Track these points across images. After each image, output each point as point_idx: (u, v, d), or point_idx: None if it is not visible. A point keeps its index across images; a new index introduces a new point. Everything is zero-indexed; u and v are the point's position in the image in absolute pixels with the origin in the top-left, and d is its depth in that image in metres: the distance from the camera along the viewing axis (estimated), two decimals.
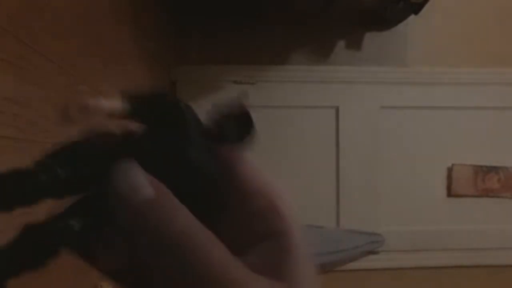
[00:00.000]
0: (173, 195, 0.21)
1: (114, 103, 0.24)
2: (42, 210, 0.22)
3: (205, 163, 0.23)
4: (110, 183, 0.21)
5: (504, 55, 2.25)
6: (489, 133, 2.21)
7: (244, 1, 1.99)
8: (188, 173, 0.23)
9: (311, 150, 2.16)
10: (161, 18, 1.90)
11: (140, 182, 0.21)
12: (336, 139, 2.17)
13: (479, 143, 2.21)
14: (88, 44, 1.03)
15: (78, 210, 0.21)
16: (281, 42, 2.18)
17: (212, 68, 2.12)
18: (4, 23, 0.66)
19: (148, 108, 0.24)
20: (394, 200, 2.17)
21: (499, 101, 2.23)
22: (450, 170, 2.20)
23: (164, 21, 1.96)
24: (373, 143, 2.18)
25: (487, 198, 2.20)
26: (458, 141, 2.21)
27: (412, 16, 2.06)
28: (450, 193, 2.19)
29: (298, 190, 2.13)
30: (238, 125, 0.24)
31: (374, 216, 2.15)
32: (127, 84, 1.29)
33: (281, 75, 2.16)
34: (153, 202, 0.20)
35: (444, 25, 2.24)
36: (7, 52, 0.67)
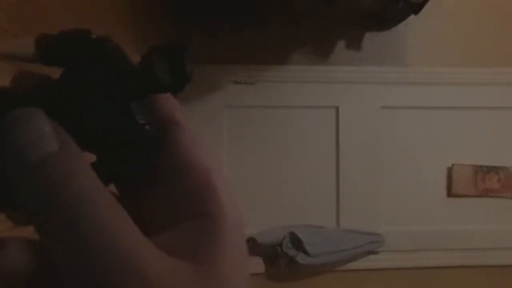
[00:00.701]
0: (81, 151, 0.18)
1: (24, 44, 0.20)
2: None
3: (133, 116, 0.20)
4: (6, 134, 0.17)
5: (504, 55, 2.25)
6: (489, 133, 2.21)
7: (244, 1, 2.00)
8: (108, 125, 0.19)
9: (311, 150, 2.16)
10: (161, 18, 1.90)
11: (41, 133, 0.18)
12: (336, 139, 2.17)
13: (479, 143, 2.21)
14: None
15: None
16: (281, 42, 2.18)
17: (212, 68, 2.12)
18: (4, 23, 0.65)
19: (66, 48, 0.20)
20: (394, 200, 2.17)
21: (499, 101, 2.23)
22: (450, 170, 2.20)
23: (164, 21, 1.96)
24: (373, 143, 2.18)
25: (487, 198, 2.20)
26: (458, 141, 2.21)
27: (412, 16, 2.06)
28: (450, 193, 2.19)
29: (298, 190, 2.13)
30: (173, 68, 0.21)
31: (374, 216, 2.15)
32: None
33: (281, 75, 2.16)
34: (54, 157, 0.17)
35: (444, 25, 2.24)
36: None
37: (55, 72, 0.21)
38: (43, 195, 0.17)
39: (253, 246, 2.01)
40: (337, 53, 2.21)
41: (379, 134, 2.18)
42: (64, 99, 0.19)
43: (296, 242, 2.01)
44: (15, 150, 0.17)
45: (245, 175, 2.11)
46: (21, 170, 0.17)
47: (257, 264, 2.06)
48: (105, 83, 0.19)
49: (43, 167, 0.17)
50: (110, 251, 0.17)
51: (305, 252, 2.00)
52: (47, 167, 0.17)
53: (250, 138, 2.13)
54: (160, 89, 0.21)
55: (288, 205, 2.11)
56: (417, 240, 2.16)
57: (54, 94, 0.19)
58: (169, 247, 0.19)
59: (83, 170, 0.18)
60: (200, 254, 0.19)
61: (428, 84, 2.21)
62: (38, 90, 0.19)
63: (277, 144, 2.14)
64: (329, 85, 2.18)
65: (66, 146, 0.18)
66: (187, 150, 0.22)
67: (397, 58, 2.23)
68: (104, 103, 0.19)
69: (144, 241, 0.18)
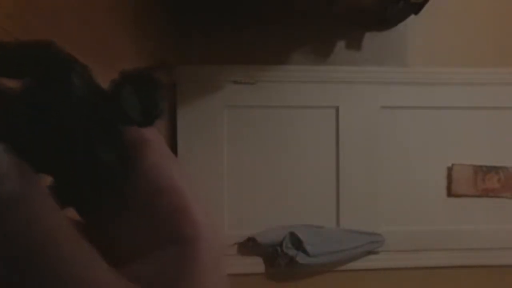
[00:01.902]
0: (45, 186, 0.18)
1: None
2: None
3: (97, 144, 0.18)
4: None
5: (503, 55, 2.25)
6: (489, 133, 2.21)
7: (244, 1, 2.00)
8: (73, 154, 0.18)
9: (311, 150, 2.16)
10: (161, 18, 1.90)
11: (4, 171, 0.16)
12: (336, 139, 2.17)
13: (479, 143, 2.21)
14: (88, 44, 1.03)
15: None
16: (281, 42, 2.17)
17: (212, 68, 2.12)
18: (4, 23, 0.65)
19: (29, 61, 0.18)
20: (394, 200, 2.17)
21: (499, 101, 2.23)
22: (450, 170, 2.19)
23: (164, 21, 1.96)
24: (373, 143, 2.18)
25: (487, 198, 2.20)
26: (458, 141, 2.21)
27: (412, 16, 2.06)
28: (450, 193, 2.19)
29: (298, 190, 2.13)
30: (144, 99, 0.19)
31: (374, 216, 2.14)
32: None
33: (281, 75, 2.16)
34: (18, 197, 0.16)
35: (444, 25, 2.24)
36: None
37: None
38: (7, 236, 0.16)
39: (253, 246, 2.01)
40: (337, 53, 2.21)
41: (379, 134, 2.18)
42: (28, 121, 0.17)
43: (296, 242, 2.01)
44: None
45: (245, 175, 2.11)
46: None
47: (257, 264, 2.06)
48: (72, 109, 0.18)
49: (7, 207, 0.16)
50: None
51: (305, 252, 2.00)
52: (13, 206, 0.16)
53: (250, 138, 2.13)
54: (128, 124, 0.20)
55: (288, 205, 2.11)
56: (417, 240, 2.16)
57: (17, 114, 0.17)
58: (143, 279, 0.19)
59: (45, 209, 0.17)
60: (179, 285, 0.19)
61: (428, 84, 2.21)
62: None
63: (277, 144, 2.14)
64: (329, 85, 2.18)
65: (31, 183, 0.17)
66: (157, 171, 0.21)
67: (397, 58, 2.23)
68: (68, 129, 0.18)
69: (112, 275, 0.18)
